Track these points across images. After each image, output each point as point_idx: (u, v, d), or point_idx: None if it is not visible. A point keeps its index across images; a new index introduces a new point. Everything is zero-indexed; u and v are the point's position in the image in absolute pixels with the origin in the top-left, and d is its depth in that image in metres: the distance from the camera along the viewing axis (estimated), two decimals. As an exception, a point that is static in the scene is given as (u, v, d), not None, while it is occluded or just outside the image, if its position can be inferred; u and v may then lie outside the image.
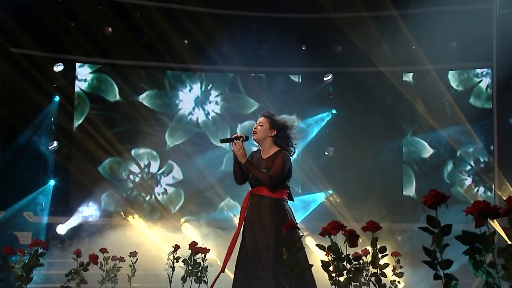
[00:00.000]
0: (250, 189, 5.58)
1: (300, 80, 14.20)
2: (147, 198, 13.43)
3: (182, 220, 12.82)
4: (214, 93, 14.08)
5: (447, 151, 13.32)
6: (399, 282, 7.65)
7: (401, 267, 7.64)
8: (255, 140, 5.61)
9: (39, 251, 6.01)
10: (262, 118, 5.58)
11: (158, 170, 13.71)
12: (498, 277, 2.62)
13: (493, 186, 12.11)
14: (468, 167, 13.26)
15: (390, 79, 13.30)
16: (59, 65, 12.91)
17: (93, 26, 12.91)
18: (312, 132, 13.66)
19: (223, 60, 13.31)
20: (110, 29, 13.08)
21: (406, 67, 13.63)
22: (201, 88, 14.04)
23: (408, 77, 13.90)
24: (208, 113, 13.98)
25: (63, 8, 12.78)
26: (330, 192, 13.27)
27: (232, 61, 13.28)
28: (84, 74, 13.58)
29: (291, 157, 5.56)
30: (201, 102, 14.00)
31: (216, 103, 14.05)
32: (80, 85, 13.50)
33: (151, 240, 12.07)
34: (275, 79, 14.13)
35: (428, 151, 13.49)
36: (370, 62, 13.22)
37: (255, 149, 5.82)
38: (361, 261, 4.76)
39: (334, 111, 13.86)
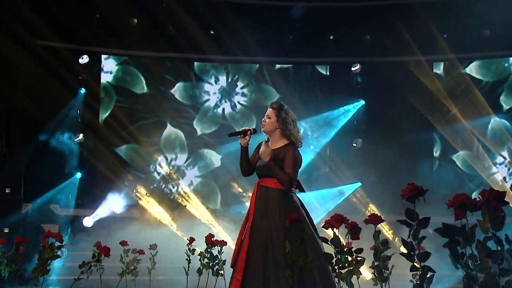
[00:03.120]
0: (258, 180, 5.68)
1: (328, 70, 14.24)
2: (173, 190, 13.62)
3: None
4: (240, 84, 14.23)
5: (479, 143, 13.21)
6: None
7: (423, 261, 7.67)
8: (264, 132, 5.72)
9: (56, 244, 6.25)
10: (270, 110, 5.69)
11: (184, 162, 13.92)
12: (475, 269, 2.71)
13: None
14: (501, 159, 13.18)
15: (420, 69, 13.25)
16: (85, 57, 13.16)
17: (118, 18, 13.07)
18: (339, 123, 13.72)
19: (249, 51, 13.41)
20: (136, 20, 13.23)
21: (437, 57, 13.54)
22: (227, 79, 14.21)
23: (439, 67, 13.84)
24: (235, 105, 14.14)
25: (88, 0, 12.97)
26: (359, 184, 13.30)
27: (258, 51, 13.37)
28: (109, 66, 13.85)
29: (298, 150, 5.63)
30: (227, 93, 14.16)
31: (243, 94, 14.20)
32: (106, 77, 13.77)
33: (175, 232, 12.29)
34: (302, 69, 14.20)
35: (458, 144, 13.40)
36: (399, 51, 13.18)
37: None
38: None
39: (362, 102, 13.87)
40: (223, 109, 14.14)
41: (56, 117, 12.72)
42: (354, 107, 13.83)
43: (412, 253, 2.91)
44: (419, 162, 12.91)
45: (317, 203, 12.81)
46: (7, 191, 11.19)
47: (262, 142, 5.77)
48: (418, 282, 2.84)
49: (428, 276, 2.83)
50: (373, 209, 12.51)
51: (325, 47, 13.71)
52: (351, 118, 13.83)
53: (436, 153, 13.59)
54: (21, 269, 6.98)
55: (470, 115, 13.06)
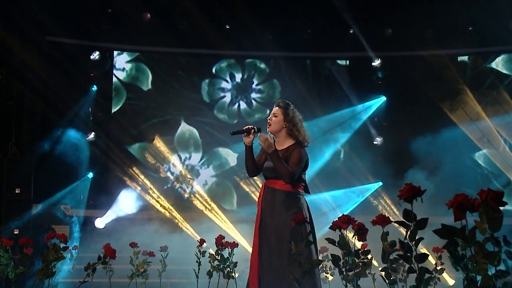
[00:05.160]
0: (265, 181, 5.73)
1: (348, 65, 14.22)
2: (187, 190, 13.70)
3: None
4: (256, 80, 14.27)
5: (505, 143, 13.14)
6: (439, 279, 7.77)
7: (442, 264, 7.70)
8: (270, 132, 5.73)
9: (61, 245, 6.38)
10: (276, 108, 5.70)
11: (199, 161, 14.01)
12: (472, 271, 2.75)
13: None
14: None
15: (443, 63, 13.22)
16: (96, 53, 13.28)
17: (130, 13, 13.10)
18: (359, 120, 13.72)
19: (265, 46, 13.42)
20: (149, 15, 13.29)
21: (461, 51, 13.51)
22: (242, 76, 14.26)
23: (464, 62, 13.78)
24: (251, 102, 14.19)
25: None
26: (380, 184, 13.30)
27: (275, 47, 13.40)
28: (122, 62, 13.98)
29: (306, 150, 5.65)
30: (243, 90, 14.21)
31: (259, 91, 14.25)
32: (118, 74, 13.90)
33: (189, 234, 12.40)
34: (321, 65, 14.20)
35: (483, 142, 13.33)
36: (422, 45, 13.16)
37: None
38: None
39: (383, 98, 13.86)
40: (239, 106, 14.20)
41: (67, 116, 12.83)
42: (375, 103, 13.82)
43: (409, 254, 2.97)
44: (443, 160, 12.84)
45: (335, 204, 12.84)
46: (17, 192, 11.26)
47: None
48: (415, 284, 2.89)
49: (425, 278, 2.88)
50: (394, 210, 12.50)
51: (345, 42, 13.69)
52: (371, 114, 13.83)
53: (460, 151, 13.52)
54: (30, 271, 7.13)
55: (495, 112, 13.00)
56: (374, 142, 13.73)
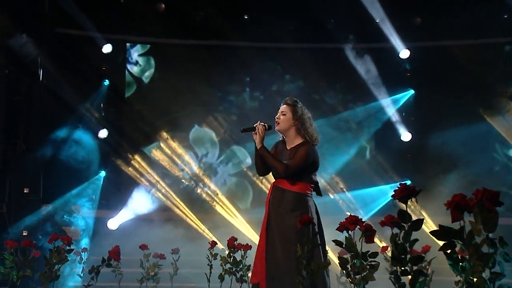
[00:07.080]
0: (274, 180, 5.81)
1: (373, 56, 14.13)
2: (204, 190, 13.74)
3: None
4: (277, 73, 14.23)
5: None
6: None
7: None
8: (278, 131, 5.81)
9: (65, 247, 6.54)
10: (284, 106, 5.77)
11: (216, 159, 14.06)
12: (467, 273, 2.82)
13: None
14: None
15: (476, 54, 13.15)
16: (108, 46, 13.37)
17: (144, 3, 13.17)
18: (386, 115, 13.68)
19: (287, 36, 13.44)
20: (163, 5, 13.37)
21: (496, 40, 13.42)
22: (262, 68, 14.22)
23: (499, 51, 13.70)
24: (269, 94, 14.15)
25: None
26: (408, 183, 13.26)
27: (296, 37, 13.43)
28: (134, 55, 14.08)
29: (315, 149, 5.70)
30: (262, 83, 14.18)
31: (279, 84, 14.23)
32: (131, 68, 14.02)
33: (205, 236, 12.49)
34: (344, 55, 14.10)
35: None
36: (453, 35, 13.12)
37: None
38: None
39: (411, 91, 13.82)
40: (258, 100, 14.20)
41: (78, 111, 12.96)
42: (402, 97, 13.78)
43: (403, 256, 3.04)
44: (474, 158, 12.77)
45: (359, 205, 12.86)
46: (25, 191, 11.36)
47: (278, 142, 5.88)
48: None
49: (420, 280, 2.95)
50: (422, 211, 12.46)
51: (371, 31, 13.63)
52: (399, 109, 13.77)
53: (494, 148, 13.44)
54: (36, 275, 7.28)
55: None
56: (402, 139, 13.64)
